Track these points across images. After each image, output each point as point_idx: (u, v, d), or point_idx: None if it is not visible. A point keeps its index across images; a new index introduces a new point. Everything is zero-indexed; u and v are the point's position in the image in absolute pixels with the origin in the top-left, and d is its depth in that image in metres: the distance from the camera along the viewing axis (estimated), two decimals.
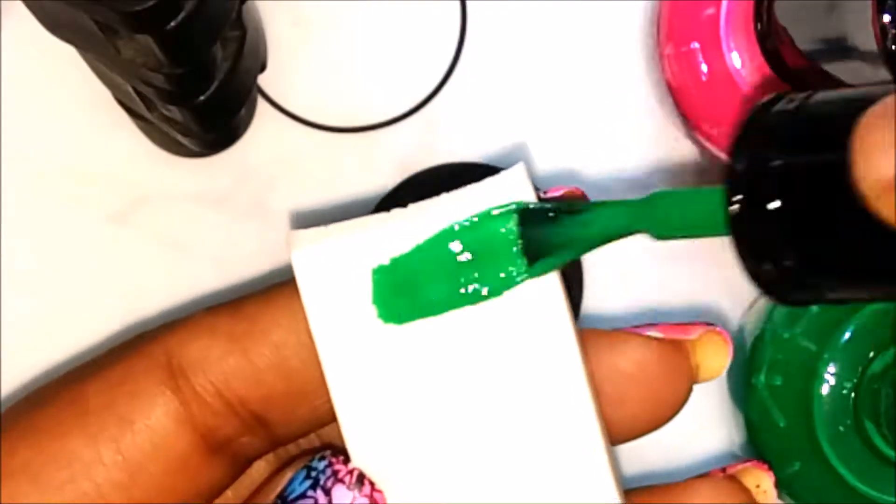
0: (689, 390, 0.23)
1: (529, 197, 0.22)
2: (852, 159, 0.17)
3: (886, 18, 0.24)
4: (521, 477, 0.22)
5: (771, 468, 0.34)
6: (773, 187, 0.19)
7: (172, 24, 0.25)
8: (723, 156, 0.33)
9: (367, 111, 0.35)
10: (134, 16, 0.24)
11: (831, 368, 0.31)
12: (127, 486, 0.21)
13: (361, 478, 0.22)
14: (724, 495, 0.23)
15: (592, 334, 0.23)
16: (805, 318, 0.33)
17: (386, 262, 0.22)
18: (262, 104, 0.35)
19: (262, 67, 0.34)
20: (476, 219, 0.22)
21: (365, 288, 0.22)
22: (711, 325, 0.24)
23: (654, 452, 0.35)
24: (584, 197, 0.24)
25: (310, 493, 0.21)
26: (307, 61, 0.35)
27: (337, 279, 0.22)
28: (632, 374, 0.23)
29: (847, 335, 0.31)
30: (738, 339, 0.36)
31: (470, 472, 0.22)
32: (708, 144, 0.33)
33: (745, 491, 0.24)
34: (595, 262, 0.36)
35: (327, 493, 0.21)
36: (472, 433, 0.22)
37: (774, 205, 0.18)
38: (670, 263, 0.36)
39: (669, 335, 0.23)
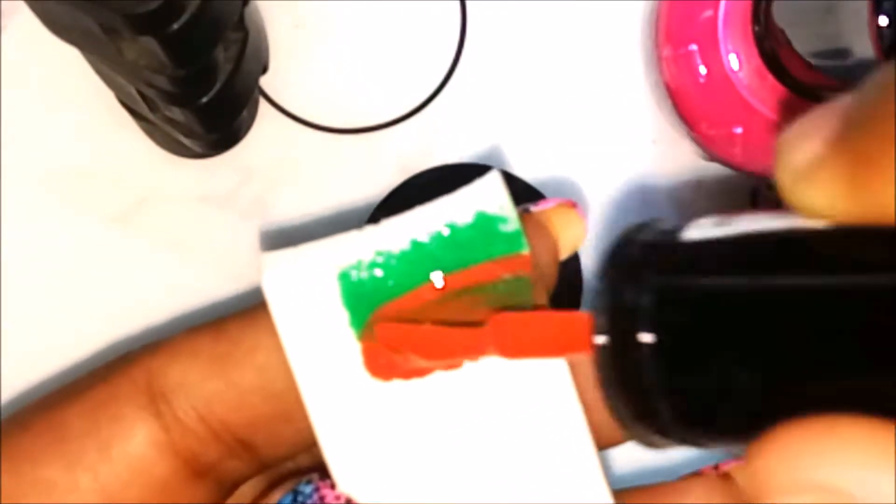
0: None
1: (506, 205, 0.21)
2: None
3: (883, 21, 0.25)
4: (511, 491, 0.21)
5: None
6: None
7: (175, 26, 0.25)
8: (722, 156, 0.33)
9: (367, 112, 0.35)
10: (137, 18, 0.24)
11: None
12: None
13: (349, 503, 0.21)
14: (717, 494, 0.23)
15: None
16: None
17: (358, 280, 0.21)
18: (263, 105, 0.35)
19: (264, 69, 0.35)
20: (448, 231, 0.21)
21: (341, 309, 0.21)
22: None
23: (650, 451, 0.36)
24: (576, 208, 0.23)
25: None
26: (308, 63, 0.35)
27: (311, 301, 0.21)
28: None
29: None
30: None
31: (459, 490, 0.21)
32: (706, 145, 0.33)
33: (739, 489, 0.23)
34: (593, 262, 0.36)
35: None
36: (459, 449, 0.21)
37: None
38: None
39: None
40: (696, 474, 0.24)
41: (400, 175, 0.35)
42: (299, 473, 0.22)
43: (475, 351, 0.20)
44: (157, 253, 0.35)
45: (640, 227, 0.19)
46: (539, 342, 0.20)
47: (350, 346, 0.21)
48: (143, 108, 0.31)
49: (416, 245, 0.21)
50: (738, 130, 0.32)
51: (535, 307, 0.21)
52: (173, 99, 0.29)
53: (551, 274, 0.22)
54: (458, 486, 0.21)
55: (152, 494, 0.21)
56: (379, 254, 0.21)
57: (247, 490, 0.23)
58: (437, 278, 0.21)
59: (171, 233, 0.35)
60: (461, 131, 0.36)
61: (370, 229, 0.21)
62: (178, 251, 0.35)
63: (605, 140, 0.36)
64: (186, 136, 0.32)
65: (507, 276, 0.21)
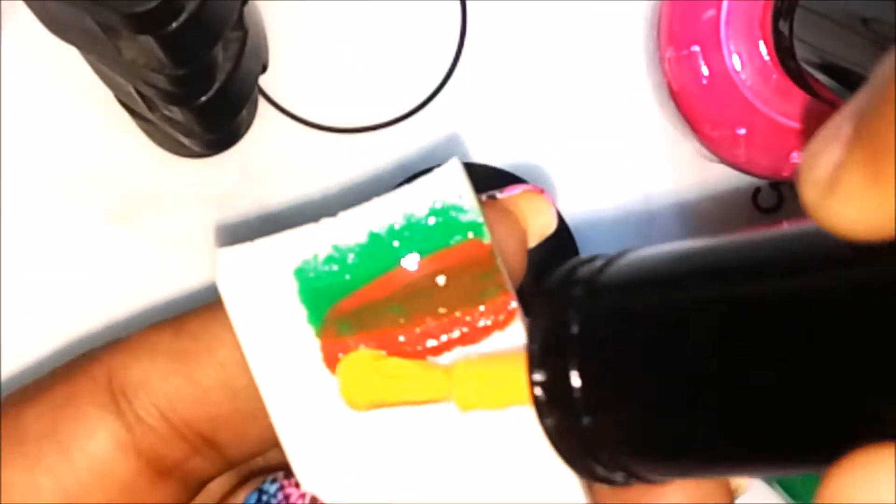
0: None
1: (465, 194, 0.21)
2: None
3: None
4: (478, 488, 0.21)
5: None
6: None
7: (174, 25, 0.25)
8: (725, 157, 0.33)
9: (367, 112, 0.35)
10: (136, 17, 0.24)
11: None
12: None
13: (314, 502, 0.21)
14: (694, 489, 0.22)
15: None
16: None
17: (314, 276, 0.20)
18: (263, 105, 0.35)
19: (264, 68, 0.35)
20: (406, 222, 0.20)
21: (298, 305, 0.20)
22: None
23: None
24: (543, 194, 0.23)
25: None
26: (308, 62, 0.35)
27: (267, 298, 0.20)
28: None
29: None
30: None
31: (423, 486, 0.21)
32: (709, 147, 0.33)
33: (715, 485, 0.22)
34: None
35: None
36: (422, 444, 0.21)
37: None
38: None
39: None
40: None
41: (399, 175, 0.35)
42: (269, 470, 0.22)
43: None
44: (156, 252, 0.35)
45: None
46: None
47: (309, 342, 0.21)
48: (143, 108, 0.31)
49: (373, 237, 0.21)
50: (742, 132, 0.32)
51: (501, 297, 0.20)
52: (172, 98, 0.29)
53: (520, 262, 0.22)
54: (422, 481, 0.21)
55: (115, 495, 0.21)
56: (336, 248, 0.21)
57: (215, 488, 0.23)
58: (410, 262, 0.20)
59: (170, 232, 0.35)
60: (461, 131, 0.35)
61: (326, 222, 0.21)
62: (177, 250, 0.35)
63: (607, 141, 0.36)
64: (186, 135, 0.32)
65: (471, 265, 0.21)
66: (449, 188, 0.21)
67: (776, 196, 0.36)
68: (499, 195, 0.22)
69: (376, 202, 0.21)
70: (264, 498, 0.21)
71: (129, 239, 0.35)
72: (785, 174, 0.33)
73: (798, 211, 0.40)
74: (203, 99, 0.29)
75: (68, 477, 0.21)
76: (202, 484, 0.23)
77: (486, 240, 0.21)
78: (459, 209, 0.21)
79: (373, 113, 0.35)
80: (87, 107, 0.34)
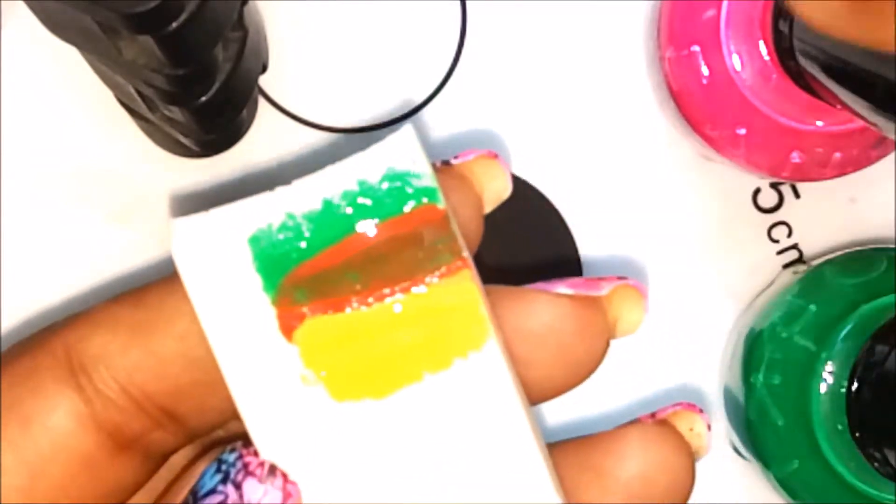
0: (606, 348, 0.22)
1: (419, 159, 0.20)
2: None
3: None
4: (444, 466, 0.20)
5: (769, 465, 0.34)
6: None
7: (174, 25, 0.25)
8: (726, 157, 0.33)
9: (368, 112, 0.35)
10: (135, 17, 0.24)
11: (829, 367, 0.31)
12: (28, 490, 0.20)
13: (273, 470, 0.20)
14: (654, 440, 0.22)
15: (498, 293, 0.21)
16: (803, 318, 0.33)
17: (269, 244, 0.20)
18: (263, 105, 0.35)
19: (264, 68, 0.35)
20: (359, 188, 0.20)
21: (254, 274, 0.20)
22: (624, 277, 0.22)
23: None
24: (497, 159, 0.22)
25: (220, 487, 0.20)
26: (308, 62, 0.35)
27: (223, 267, 0.20)
28: (541, 333, 0.21)
29: (845, 334, 0.32)
30: (737, 339, 0.36)
31: (387, 459, 0.20)
32: (709, 147, 0.33)
33: (677, 434, 0.22)
34: (594, 263, 0.36)
35: (238, 487, 0.20)
36: (381, 412, 0.20)
37: None
38: (669, 262, 0.36)
39: (579, 291, 0.22)
40: (633, 422, 0.22)
41: None
42: (230, 441, 0.22)
43: None
44: (155, 252, 0.35)
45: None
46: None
47: (265, 311, 0.20)
48: (142, 108, 0.31)
49: (327, 204, 0.20)
50: (742, 131, 0.32)
51: (455, 262, 0.20)
52: (172, 98, 0.29)
53: (476, 227, 0.22)
54: (381, 450, 0.20)
55: (76, 469, 0.21)
56: (290, 216, 0.20)
57: (178, 460, 0.23)
58: (365, 228, 0.20)
59: (170, 232, 0.35)
60: (460, 131, 0.35)
61: (280, 190, 0.21)
62: None
63: (607, 141, 0.36)
64: (185, 135, 0.32)
65: (426, 231, 0.20)
66: (402, 154, 0.21)
67: (776, 196, 0.36)
68: (453, 161, 0.22)
69: (329, 169, 0.21)
70: (223, 467, 0.21)
71: (129, 239, 0.35)
72: (785, 174, 0.33)
73: (799, 211, 0.40)
74: (203, 99, 0.29)
75: (29, 452, 0.21)
76: (164, 457, 0.22)
77: (441, 205, 0.20)
78: (413, 175, 0.20)
79: (373, 113, 0.35)
80: (87, 107, 0.34)
